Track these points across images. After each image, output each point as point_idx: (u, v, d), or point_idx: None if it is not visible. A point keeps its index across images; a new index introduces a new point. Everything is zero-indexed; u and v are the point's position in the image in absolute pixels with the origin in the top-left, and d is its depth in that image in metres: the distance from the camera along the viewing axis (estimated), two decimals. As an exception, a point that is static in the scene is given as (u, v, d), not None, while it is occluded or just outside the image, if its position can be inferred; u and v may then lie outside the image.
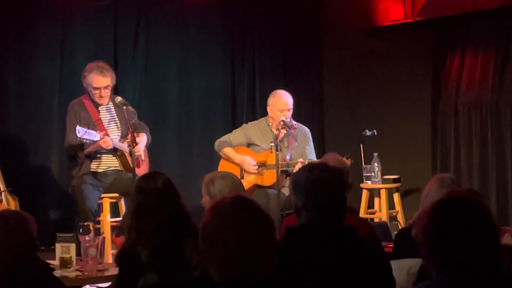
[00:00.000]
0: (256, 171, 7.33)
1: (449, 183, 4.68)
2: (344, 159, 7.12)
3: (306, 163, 6.82)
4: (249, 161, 7.34)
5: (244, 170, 7.34)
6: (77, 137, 6.64)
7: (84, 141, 6.74)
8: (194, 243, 3.95)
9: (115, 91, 7.73)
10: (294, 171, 6.92)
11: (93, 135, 6.74)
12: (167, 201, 4.17)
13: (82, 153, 6.96)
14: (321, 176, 3.34)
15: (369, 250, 3.33)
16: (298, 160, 7.12)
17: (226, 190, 4.58)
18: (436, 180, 4.68)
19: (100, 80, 6.99)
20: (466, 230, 2.34)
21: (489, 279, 2.34)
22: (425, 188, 4.74)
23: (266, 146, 7.35)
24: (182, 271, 4.04)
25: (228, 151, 7.44)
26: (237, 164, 7.38)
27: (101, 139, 6.80)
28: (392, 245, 5.77)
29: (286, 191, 7.06)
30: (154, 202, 4.15)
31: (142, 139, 7.13)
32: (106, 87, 7.02)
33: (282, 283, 2.97)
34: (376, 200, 7.92)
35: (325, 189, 3.31)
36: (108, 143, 6.85)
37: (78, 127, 6.66)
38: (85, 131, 6.68)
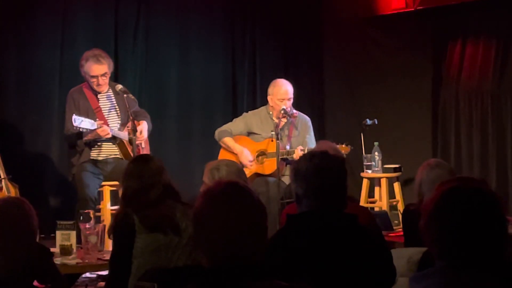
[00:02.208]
0: (250, 167, 7.30)
1: (436, 164, 4.84)
2: (344, 146, 7.14)
3: (306, 150, 6.83)
4: (247, 155, 7.31)
5: (240, 162, 7.33)
6: (73, 126, 6.64)
7: (81, 129, 6.73)
8: (183, 210, 4.34)
9: (116, 79, 7.72)
10: (295, 156, 6.94)
11: (90, 124, 6.73)
12: (157, 176, 4.42)
13: (81, 141, 6.95)
14: (321, 164, 3.34)
15: (370, 238, 3.33)
16: (298, 147, 7.11)
17: (232, 176, 4.60)
18: (424, 167, 4.89)
19: (97, 68, 6.97)
20: (473, 218, 2.33)
21: (492, 269, 2.33)
22: (416, 178, 4.87)
23: (266, 135, 7.34)
24: (174, 232, 4.34)
25: (228, 140, 7.43)
26: (236, 154, 7.37)
27: (98, 127, 6.79)
28: (392, 234, 5.82)
29: (286, 179, 7.06)
30: (146, 176, 4.40)
31: (144, 127, 7.12)
32: (103, 75, 7.00)
33: (282, 270, 2.97)
34: (377, 189, 7.92)
35: (326, 177, 3.31)
36: (106, 132, 6.83)
37: (74, 116, 6.64)
38: (82, 120, 6.67)
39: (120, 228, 4.36)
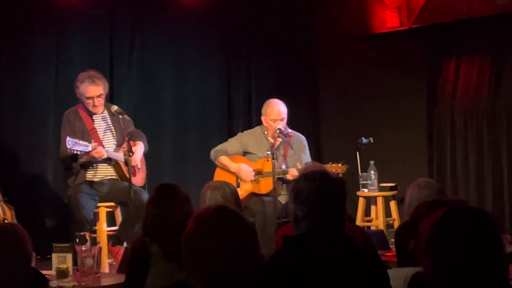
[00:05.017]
0: (253, 178, 7.29)
1: (425, 185, 4.84)
2: (340, 165, 7.13)
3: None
4: (246, 169, 7.29)
5: (241, 179, 7.30)
6: (67, 148, 6.63)
7: (75, 152, 6.72)
8: None
9: (111, 99, 7.72)
10: (288, 176, 6.94)
11: (84, 146, 6.72)
12: (181, 203, 4.39)
13: (76, 163, 6.93)
14: (324, 187, 3.30)
15: (367, 260, 3.31)
16: (293, 168, 7.09)
17: (221, 198, 4.60)
18: (414, 187, 4.90)
19: (92, 90, 6.97)
20: (470, 241, 2.33)
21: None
22: (405, 198, 4.88)
23: (262, 155, 7.32)
24: None
25: (224, 159, 7.41)
26: (233, 173, 7.35)
27: (93, 149, 6.77)
28: (389, 253, 5.79)
29: (282, 199, 7.06)
30: (169, 203, 4.38)
31: (139, 148, 7.11)
32: (99, 96, 7.00)
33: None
34: (373, 208, 7.92)
35: (327, 202, 3.28)
36: (100, 153, 6.82)
37: (68, 138, 6.63)
38: (75, 142, 6.66)
39: (136, 255, 4.36)
